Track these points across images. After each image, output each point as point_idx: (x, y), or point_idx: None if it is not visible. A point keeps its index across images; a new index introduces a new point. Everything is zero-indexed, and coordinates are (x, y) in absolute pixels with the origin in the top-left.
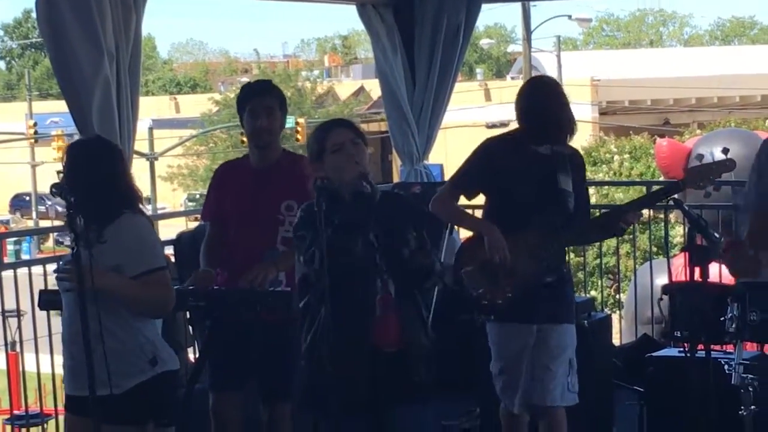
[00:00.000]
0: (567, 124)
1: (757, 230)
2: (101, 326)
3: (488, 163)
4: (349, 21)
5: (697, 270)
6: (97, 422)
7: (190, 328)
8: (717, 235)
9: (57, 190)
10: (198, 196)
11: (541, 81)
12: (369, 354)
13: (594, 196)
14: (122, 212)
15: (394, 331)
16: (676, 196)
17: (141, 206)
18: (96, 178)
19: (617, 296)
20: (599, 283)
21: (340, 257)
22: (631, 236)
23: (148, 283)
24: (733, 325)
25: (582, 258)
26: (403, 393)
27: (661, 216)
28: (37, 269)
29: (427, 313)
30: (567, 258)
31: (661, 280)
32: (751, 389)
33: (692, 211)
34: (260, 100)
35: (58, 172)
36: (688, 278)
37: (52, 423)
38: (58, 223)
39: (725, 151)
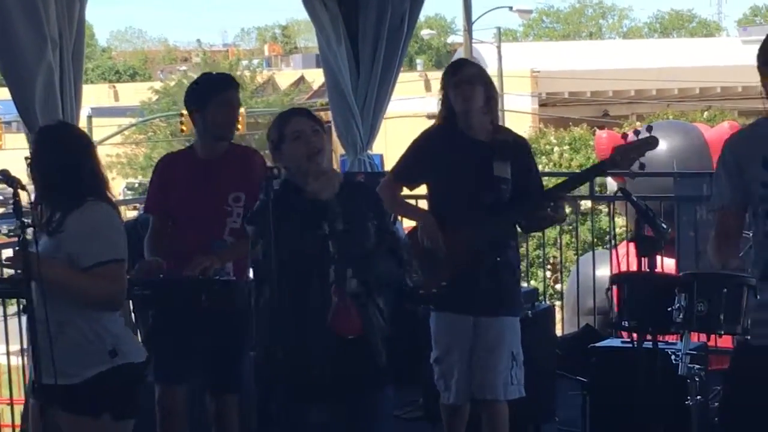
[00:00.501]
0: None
1: (723, 230)
2: (47, 315)
3: (427, 152)
4: (289, 10)
5: (644, 260)
6: (43, 408)
7: (133, 317)
8: (664, 225)
9: (2, 177)
10: (137, 185)
11: None
12: (329, 342)
13: None
14: (86, 200)
15: (353, 318)
16: (624, 187)
17: (108, 193)
18: (57, 165)
19: (557, 287)
20: (539, 274)
21: (289, 247)
22: (571, 227)
23: (97, 276)
24: (681, 316)
25: (523, 248)
26: (367, 378)
27: (601, 207)
28: None
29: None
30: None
31: (603, 271)
32: (697, 379)
33: (640, 201)
34: (229, 93)
35: (26, 158)
36: (635, 268)
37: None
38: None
39: (649, 129)
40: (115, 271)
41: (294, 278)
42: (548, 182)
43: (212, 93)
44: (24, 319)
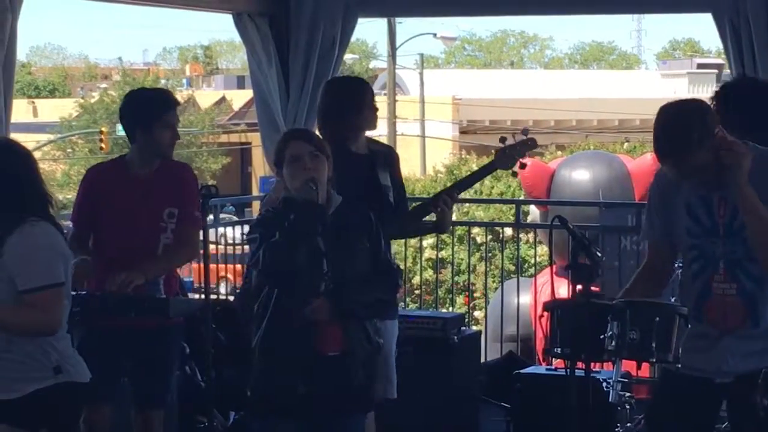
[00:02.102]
0: (364, 125)
1: (650, 264)
2: None
3: None
4: (211, 31)
5: (578, 287)
6: None
7: None
8: (599, 254)
9: None
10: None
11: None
12: (310, 358)
13: (456, 214)
14: (27, 219)
15: (335, 336)
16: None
17: (51, 211)
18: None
19: (477, 313)
20: (458, 300)
21: (282, 264)
22: (490, 254)
23: (30, 304)
24: (613, 343)
25: (443, 274)
26: (341, 399)
27: (521, 235)
28: None
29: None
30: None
31: (525, 297)
32: (627, 407)
33: (576, 229)
34: (173, 113)
35: None
36: (564, 295)
37: None
38: None
39: (525, 132)
40: (48, 299)
41: (283, 294)
42: (470, 209)
43: (159, 112)
44: None
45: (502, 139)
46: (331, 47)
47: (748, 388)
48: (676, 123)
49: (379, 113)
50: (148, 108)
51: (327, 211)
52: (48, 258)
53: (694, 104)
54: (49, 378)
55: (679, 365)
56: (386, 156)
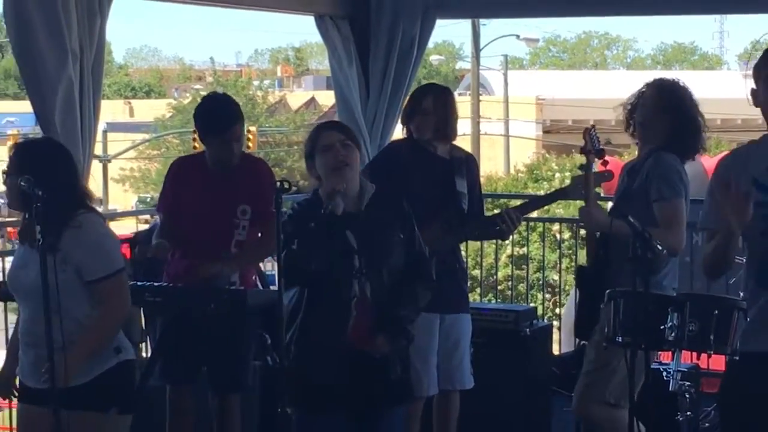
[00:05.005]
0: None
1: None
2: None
3: (391, 164)
4: (302, 33)
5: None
6: (57, 411)
7: (143, 322)
8: (660, 246)
9: (26, 185)
10: (149, 199)
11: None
12: (346, 353)
13: (537, 212)
14: (79, 213)
15: (369, 332)
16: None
17: (90, 203)
18: (54, 181)
19: (556, 310)
20: (539, 296)
21: (298, 272)
22: (571, 251)
23: (103, 292)
24: (673, 334)
25: (523, 271)
26: (380, 393)
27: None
28: None
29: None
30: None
31: None
32: (687, 396)
33: (636, 223)
34: (228, 133)
35: (3, 173)
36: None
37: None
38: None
39: (605, 163)
40: (115, 285)
41: (317, 291)
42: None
43: (213, 133)
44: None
45: (584, 150)
46: (410, 48)
47: None
48: None
49: (462, 114)
50: (211, 122)
51: (359, 205)
52: (108, 247)
53: None
54: (112, 358)
55: (737, 357)
56: (466, 163)
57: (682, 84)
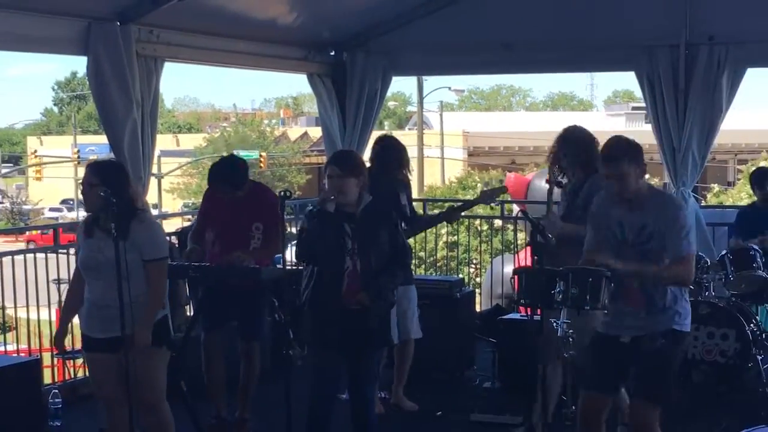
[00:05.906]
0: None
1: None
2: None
3: None
4: (298, 86)
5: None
6: (126, 349)
7: (187, 289)
8: (550, 236)
9: (105, 194)
10: (191, 204)
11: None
12: (340, 308)
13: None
14: (137, 210)
15: (355, 295)
16: (524, 211)
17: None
18: (124, 188)
19: (477, 279)
20: (465, 270)
21: (307, 250)
22: (488, 238)
23: (154, 271)
24: (560, 297)
25: (454, 252)
26: (363, 336)
27: (508, 225)
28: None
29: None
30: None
31: (508, 268)
32: (570, 339)
33: (534, 219)
34: (227, 186)
35: (81, 184)
36: (530, 264)
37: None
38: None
39: (501, 180)
40: (162, 267)
41: (322, 264)
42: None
43: (225, 185)
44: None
45: (548, 181)
46: (374, 97)
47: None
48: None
49: (409, 143)
50: (218, 181)
51: (356, 209)
52: (162, 237)
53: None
54: (161, 313)
55: (606, 311)
56: (404, 186)
57: (581, 128)
